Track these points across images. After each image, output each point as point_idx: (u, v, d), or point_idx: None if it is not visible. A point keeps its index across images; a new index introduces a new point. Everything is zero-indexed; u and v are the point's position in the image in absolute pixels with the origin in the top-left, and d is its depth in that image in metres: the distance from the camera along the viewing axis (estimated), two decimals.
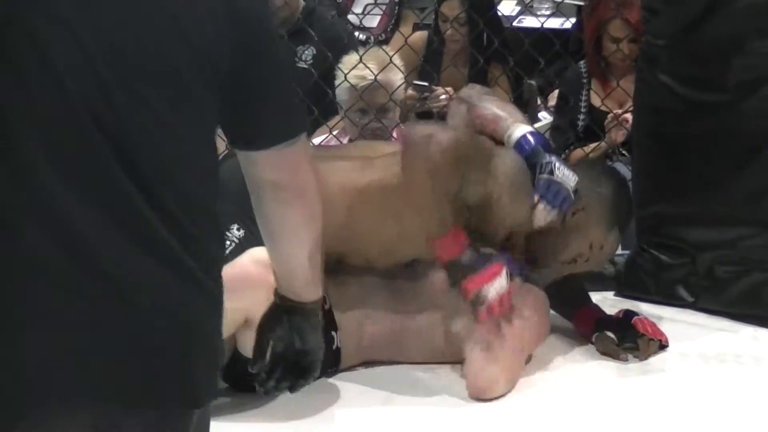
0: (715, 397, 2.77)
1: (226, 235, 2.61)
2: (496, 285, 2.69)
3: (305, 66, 4.50)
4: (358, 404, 2.72)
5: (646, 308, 3.25)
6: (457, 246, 2.69)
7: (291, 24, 4.50)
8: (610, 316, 3.07)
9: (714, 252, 3.38)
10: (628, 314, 3.08)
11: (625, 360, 2.95)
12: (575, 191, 2.82)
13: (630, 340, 2.98)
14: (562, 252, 2.92)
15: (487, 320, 2.70)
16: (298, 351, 1.84)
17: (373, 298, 2.89)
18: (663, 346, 3.04)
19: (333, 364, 2.81)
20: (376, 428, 2.63)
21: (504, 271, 2.71)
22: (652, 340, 3.01)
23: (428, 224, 2.73)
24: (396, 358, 2.92)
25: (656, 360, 2.97)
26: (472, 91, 2.99)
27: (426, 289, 2.90)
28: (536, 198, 2.78)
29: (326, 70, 4.20)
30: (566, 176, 2.79)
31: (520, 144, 2.80)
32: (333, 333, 2.79)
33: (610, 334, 2.99)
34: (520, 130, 2.82)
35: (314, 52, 4.51)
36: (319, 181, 1.82)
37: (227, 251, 2.58)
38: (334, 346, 2.80)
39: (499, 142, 2.85)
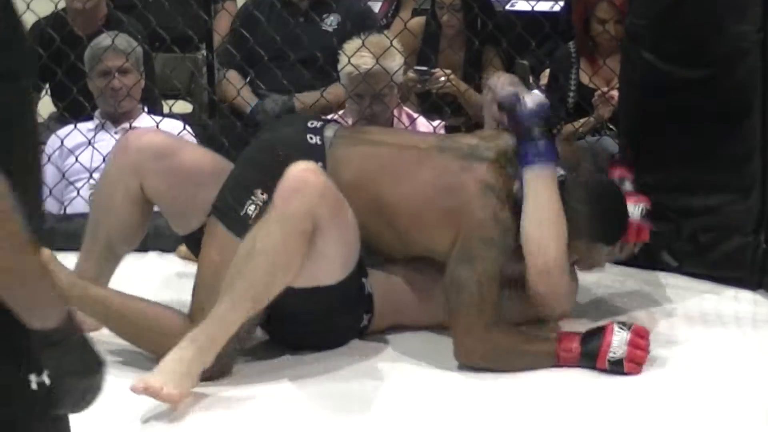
0: (699, 355, 2.85)
1: (252, 199, 2.73)
2: (616, 341, 2.70)
3: (329, 30, 4.67)
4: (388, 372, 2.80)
5: (633, 272, 3.33)
6: (570, 343, 2.74)
7: None
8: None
9: (697, 218, 3.43)
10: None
11: None
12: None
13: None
14: None
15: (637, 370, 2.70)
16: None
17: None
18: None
19: (368, 309, 2.89)
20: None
21: (613, 327, 2.73)
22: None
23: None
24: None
25: (642, 321, 3.00)
26: (499, 80, 3.03)
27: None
28: None
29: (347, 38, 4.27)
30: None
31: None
32: (363, 279, 2.87)
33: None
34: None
35: (339, 19, 4.68)
36: None
37: (252, 215, 2.72)
38: (366, 292, 2.87)
39: None
